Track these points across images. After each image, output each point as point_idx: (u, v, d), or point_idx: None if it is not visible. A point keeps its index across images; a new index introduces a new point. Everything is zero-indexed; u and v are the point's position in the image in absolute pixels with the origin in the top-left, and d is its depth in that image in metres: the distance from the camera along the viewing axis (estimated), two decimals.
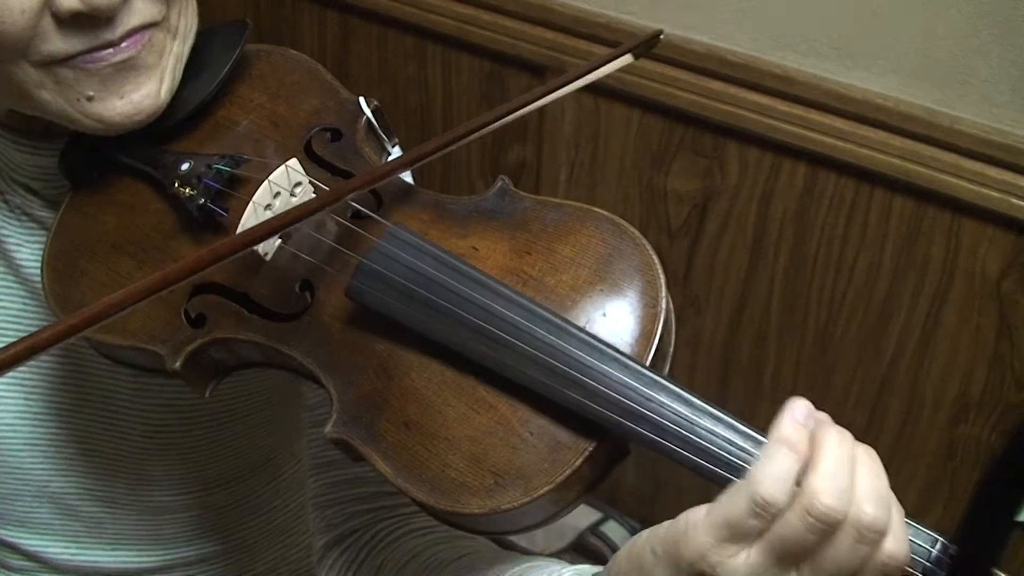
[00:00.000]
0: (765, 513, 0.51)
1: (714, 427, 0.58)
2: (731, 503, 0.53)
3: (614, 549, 1.65)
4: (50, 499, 0.90)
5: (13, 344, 0.47)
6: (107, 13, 0.64)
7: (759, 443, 0.57)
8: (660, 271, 0.65)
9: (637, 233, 0.66)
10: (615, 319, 0.64)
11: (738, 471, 0.56)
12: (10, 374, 0.84)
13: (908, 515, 0.57)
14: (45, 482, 0.88)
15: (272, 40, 1.79)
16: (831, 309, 1.41)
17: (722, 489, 0.56)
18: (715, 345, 1.52)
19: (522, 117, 0.72)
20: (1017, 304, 1.26)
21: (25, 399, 0.85)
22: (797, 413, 0.54)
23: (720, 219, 1.44)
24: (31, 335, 0.49)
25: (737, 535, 0.52)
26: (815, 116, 1.29)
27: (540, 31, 1.46)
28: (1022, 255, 1.23)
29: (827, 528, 0.51)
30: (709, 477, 0.58)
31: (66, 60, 0.66)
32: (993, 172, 1.21)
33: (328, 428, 0.64)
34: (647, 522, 1.79)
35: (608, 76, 0.75)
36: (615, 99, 1.44)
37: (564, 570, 0.70)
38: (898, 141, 1.25)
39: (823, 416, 0.56)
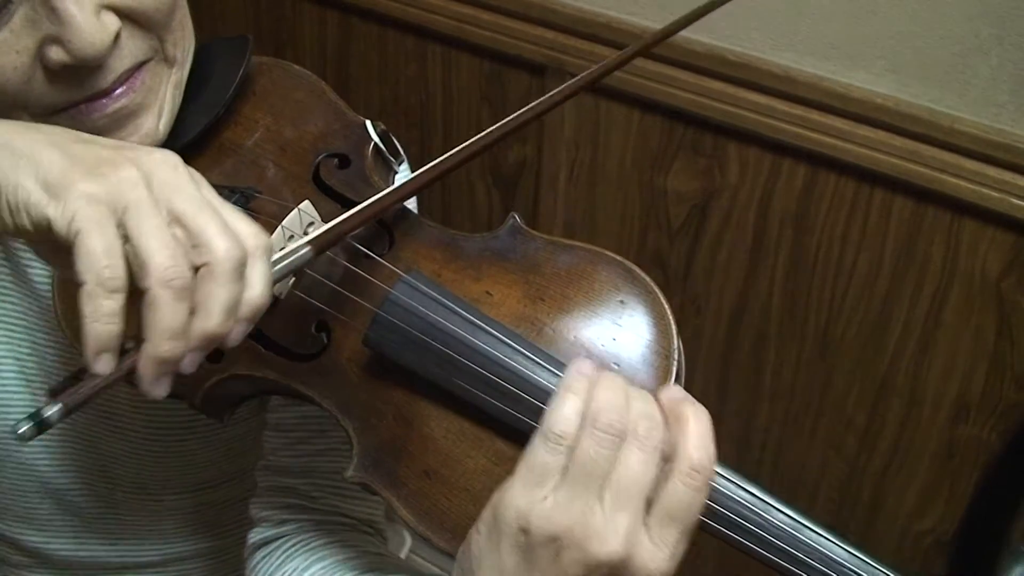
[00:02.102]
0: (560, 446, 0.57)
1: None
2: (531, 451, 0.58)
3: None
4: (52, 495, 0.90)
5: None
6: (96, 63, 0.63)
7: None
8: (672, 321, 0.65)
9: (648, 279, 0.66)
10: (629, 372, 0.64)
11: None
12: (15, 369, 0.85)
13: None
14: (48, 478, 0.89)
15: (272, 40, 1.80)
16: (831, 309, 1.41)
17: None
18: (715, 345, 1.52)
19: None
20: (1017, 304, 1.26)
21: (32, 395, 0.85)
22: (583, 368, 0.60)
23: (720, 219, 1.44)
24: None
25: (542, 477, 0.57)
26: (815, 116, 1.29)
27: (540, 31, 1.46)
28: (1022, 255, 1.23)
29: (612, 438, 0.57)
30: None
31: (63, 110, 0.66)
32: (993, 172, 1.21)
33: (350, 472, 0.65)
34: None
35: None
36: (615, 99, 1.44)
37: None
38: (898, 141, 1.25)
39: (605, 371, 0.62)
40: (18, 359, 0.84)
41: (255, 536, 0.82)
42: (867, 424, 1.45)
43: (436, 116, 1.67)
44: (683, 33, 1.35)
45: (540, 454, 0.57)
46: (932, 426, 1.39)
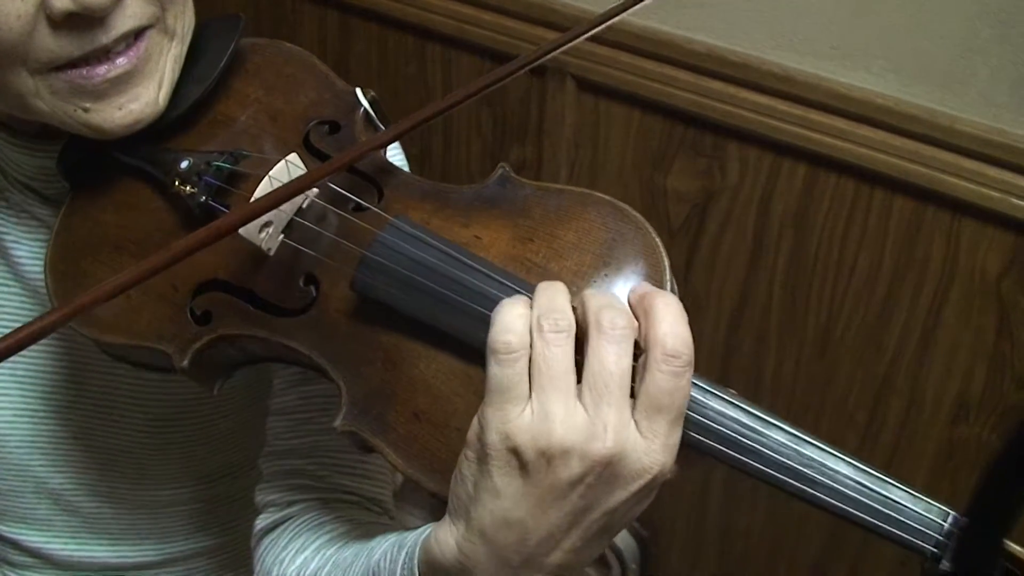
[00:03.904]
0: (508, 356, 0.55)
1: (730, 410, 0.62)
2: (488, 373, 0.56)
3: (614, 548, 1.65)
4: (50, 495, 0.90)
5: (12, 333, 0.47)
6: (100, 13, 0.64)
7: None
8: (664, 254, 0.65)
9: (639, 216, 0.66)
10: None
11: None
12: (8, 372, 0.85)
13: (918, 489, 0.59)
14: (45, 479, 0.89)
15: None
16: (831, 309, 1.41)
17: None
18: (715, 345, 1.52)
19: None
20: (1017, 304, 1.26)
21: (23, 397, 0.85)
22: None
23: (720, 219, 1.44)
24: (28, 324, 0.48)
25: (502, 391, 0.55)
26: (815, 116, 1.29)
27: (540, 31, 1.46)
28: (1022, 255, 1.23)
29: (563, 333, 0.55)
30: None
31: (62, 69, 0.66)
32: (993, 172, 1.21)
33: (338, 421, 0.65)
34: (646, 522, 1.77)
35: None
36: (615, 99, 1.44)
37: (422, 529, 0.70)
38: (898, 141, 1.25)
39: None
40: None
41: (262, 522, 0.82)
42: (867, 424, 1.45)
43: None
44: (683, 33, 1.36)
45: (492, 371, 0.56)
46: (932, 426, 1.39)
